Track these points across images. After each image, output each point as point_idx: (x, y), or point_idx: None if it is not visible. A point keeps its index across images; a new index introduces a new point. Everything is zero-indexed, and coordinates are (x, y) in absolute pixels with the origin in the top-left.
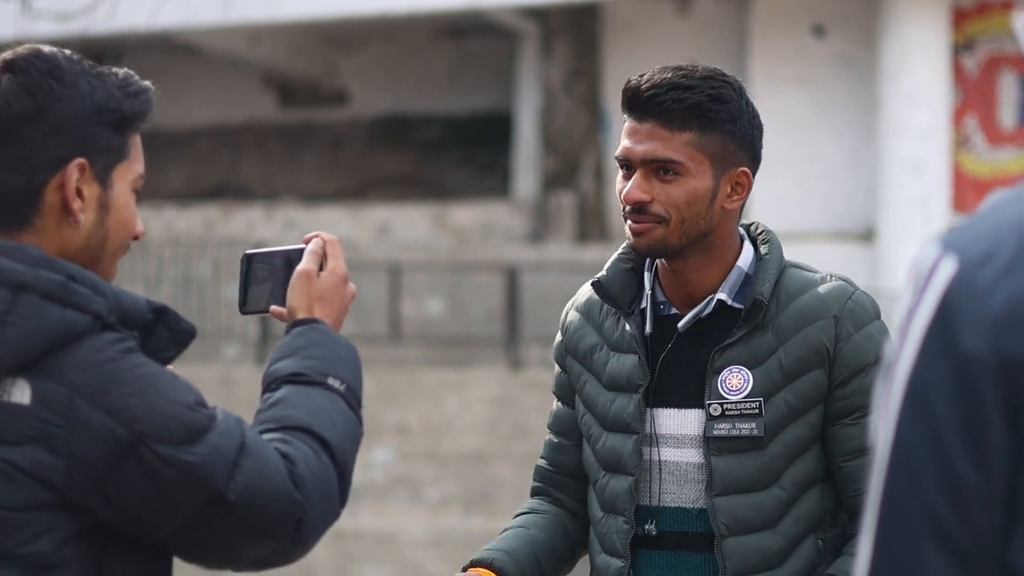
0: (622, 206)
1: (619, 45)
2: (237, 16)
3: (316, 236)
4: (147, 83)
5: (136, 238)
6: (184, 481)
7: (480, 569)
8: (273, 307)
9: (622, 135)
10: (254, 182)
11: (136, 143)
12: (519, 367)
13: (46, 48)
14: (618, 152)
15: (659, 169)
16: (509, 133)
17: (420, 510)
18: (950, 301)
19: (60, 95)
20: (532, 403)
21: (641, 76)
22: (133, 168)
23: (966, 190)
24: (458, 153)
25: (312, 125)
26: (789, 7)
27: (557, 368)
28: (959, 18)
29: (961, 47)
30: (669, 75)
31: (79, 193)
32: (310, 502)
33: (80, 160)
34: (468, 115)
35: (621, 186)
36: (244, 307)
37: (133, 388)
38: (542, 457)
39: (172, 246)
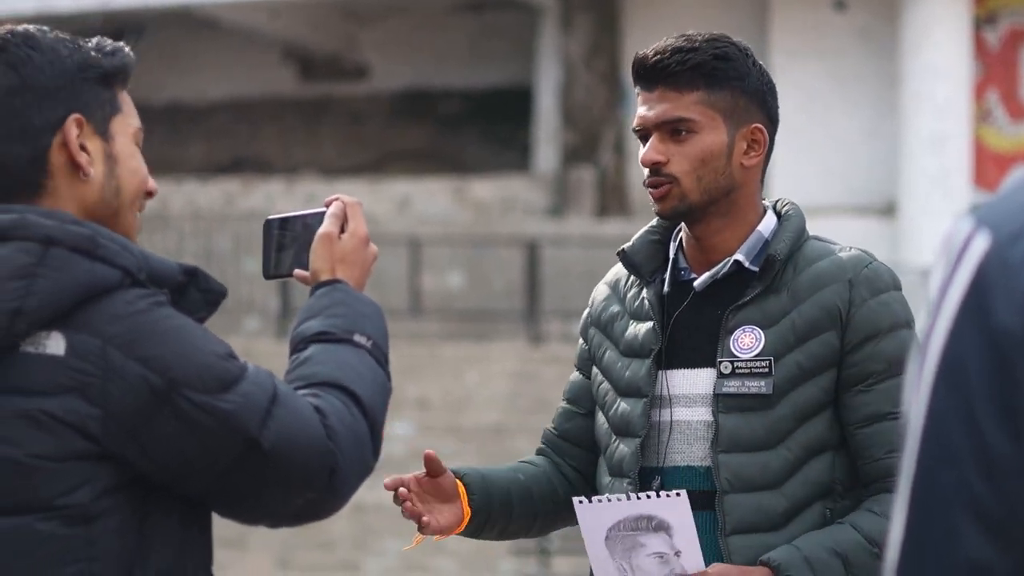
0: (644, 174)
1: (639, 19)
2: None
3: (337, 199)
4: (120, 43)
5: (150, 194)
6: (219, 428)
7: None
8: (297, 271)
9: (637, 108)
10: (273, 156)
11: (126, 99)
12: (539, 341)
13: (18, 26)
14: (634, 123)
15: (673, 130)
16: (529, 107)
17: None
18: (984, 276)
19: (41, 63)
20: (552, 377)
21: (647, 49)
22: (130, 122)
23: (987, 164)
24: (478, 127)
25: (332, 99)
26: None
27: (580, 341)
28: None
29: (983, 21)
30: (672, 41)
31: (83, 148)
32: (342, 452)
33: (75, 116)
34: (488, 89)
35: (640, 153)
36: (268, 272)
37: (165, 338)
38: (551, 422)
39: (192, 220)
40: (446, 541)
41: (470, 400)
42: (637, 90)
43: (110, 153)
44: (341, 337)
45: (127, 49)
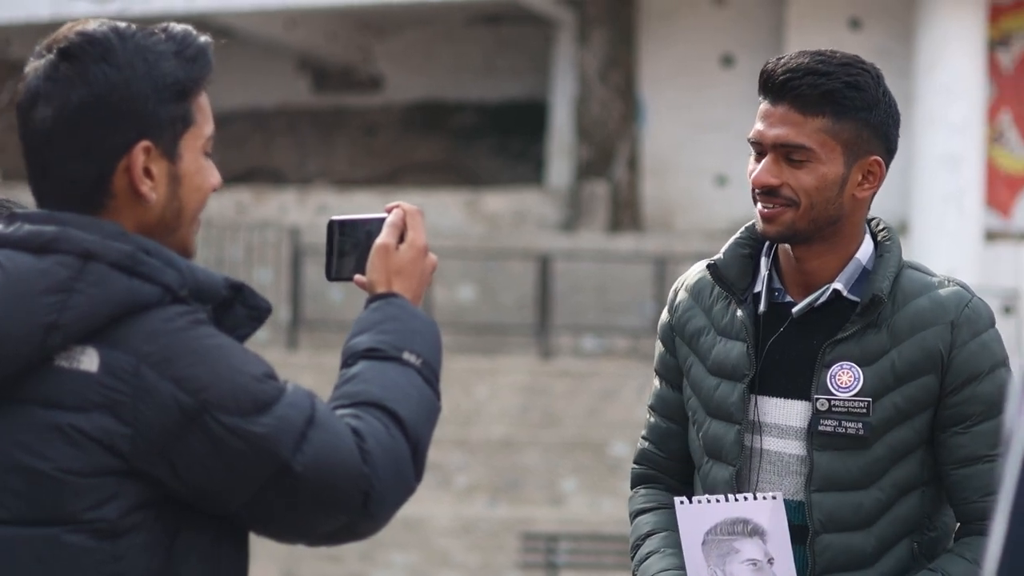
0: (751, 189)
1: (655, 34)
2: (274, 0)
3: (397, 207)
4: (204, 39)
5: (214, 189)
6: (250, 451)
7: None
8: (357, 277)
9: (756, 117)
10: (286, 166)
11: (201, 104)
12: (549, 355)
13: (97, 29)
14: (751, 134)
15: (789, 154)
16: (543, 121)
17: (447, 496)
18: None
19: (116, 81)
20: (562, 391)
21: (779, 59)
22: (201, 132)
23: (999, 186)
24: (492, 140)
25: (345, 110)
26: None
27: (661, 348)
28: (996, 13)
29: (997, 42)
30: (807, 60)
31: (148, 173)
32: (378, 476)
33: (144, 143)
34: (502, 102)
35: (752, 168)
36: (331, 275)
37: (200, 358)
38: (647, 439)
39: (205, 228)
40: (452, 552)
41: (479, 413)
42: (760, 100)
43: (175, 174)
44: (390, 355)
45: (210, 50)
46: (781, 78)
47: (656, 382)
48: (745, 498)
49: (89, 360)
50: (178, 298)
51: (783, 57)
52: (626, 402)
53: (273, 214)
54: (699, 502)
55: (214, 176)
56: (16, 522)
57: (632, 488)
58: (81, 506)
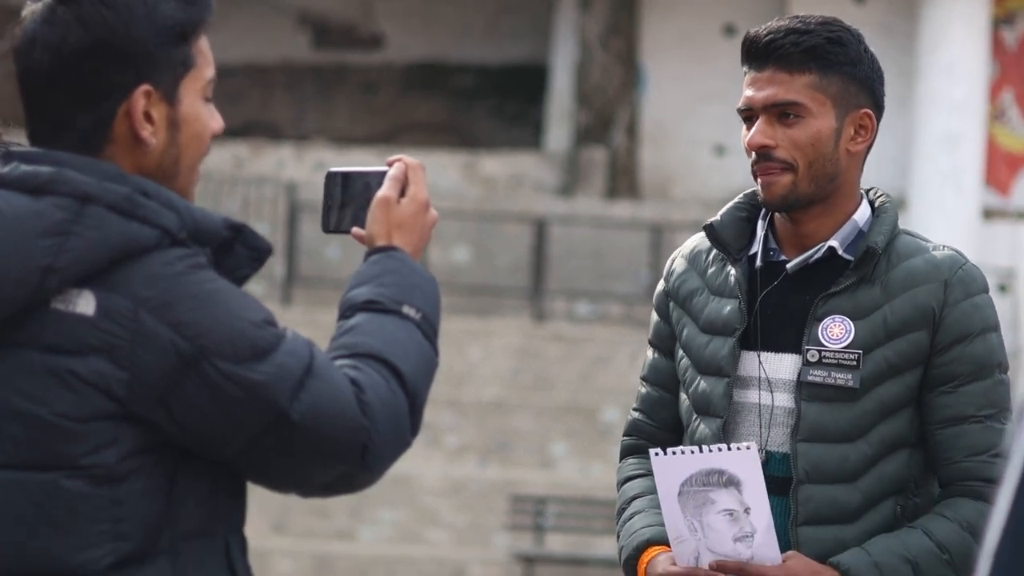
0: (749, 157)
1: (657, 2)
2: None
3: (399, 160)
4: None
5: (215, 135)
6: (247, 399)
7: (661, 547)
8: (355, 230)
9: (743, 88)
10: (285, 122)
11: (201, 47)
12: (543, 319)
13: None
14: (740, 103)
15: (781, 114)
16: (543, 85)
17: (437, 456)
18: None
19: (114, 23)
20: (554, 355)
21: (759, 28)
22: (201, 75)
23: (999, 165)
24: (491, 103)
25: (345, 67)
26: None
27: (655, 317)
28: None
29: (1001, 21)
30: (786, 22)
31: (148, 117)
32: (376, 429)
33: (145, 87)
34: (503, 65)
35: (744, 135)
36: (328, 226)
37: (199, 303)
38: (638, 410)
39: (201, 182)
40: (441, 512)
41: (471, 375)
42: (745, 69)
43: (175, 120)
44: (389, 307)
45: None
46: (764, 40)
47: (649, 352)
48: (720, 448)
49: (86, 303)
50: (177, 241)
51: (762, 26)
52: (618, 368)
53: (270, 169)
54: (674, 453)
55: (215, 120)
56: (14, 467)
57: (621, 460)
58: (79, 451)
